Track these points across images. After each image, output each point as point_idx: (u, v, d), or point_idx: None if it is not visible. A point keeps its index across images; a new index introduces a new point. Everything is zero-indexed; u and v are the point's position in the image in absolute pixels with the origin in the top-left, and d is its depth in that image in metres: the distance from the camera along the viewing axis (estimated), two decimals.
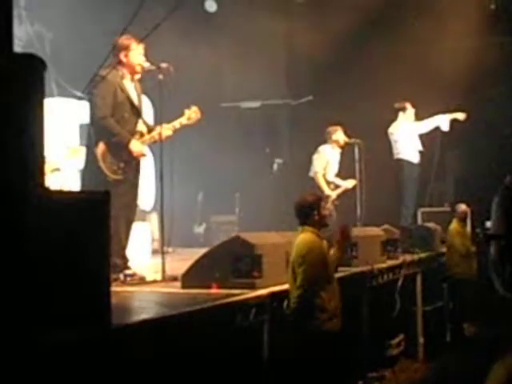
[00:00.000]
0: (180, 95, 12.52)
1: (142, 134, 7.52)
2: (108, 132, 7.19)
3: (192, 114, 7.78)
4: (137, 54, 7.44)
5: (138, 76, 7.62)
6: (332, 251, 6.48)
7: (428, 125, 11.95)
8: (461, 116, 11.91)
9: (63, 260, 3.61)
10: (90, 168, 7.25)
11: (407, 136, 11.69)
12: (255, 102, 15.72)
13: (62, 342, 3.51)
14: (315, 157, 11.69)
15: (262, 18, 13.44)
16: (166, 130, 7.57)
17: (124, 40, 7.30)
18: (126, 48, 7.35)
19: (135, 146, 7.28)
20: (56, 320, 3.54)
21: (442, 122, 11.92)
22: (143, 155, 7.39)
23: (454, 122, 12.07)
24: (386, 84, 12.92)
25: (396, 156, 11.69)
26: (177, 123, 7.67)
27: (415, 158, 11.64)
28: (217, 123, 13.71)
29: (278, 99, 15.84)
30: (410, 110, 11.88)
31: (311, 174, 11.69)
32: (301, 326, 6.04)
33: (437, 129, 12.20)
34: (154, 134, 7.56)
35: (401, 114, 11.83)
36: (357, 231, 9.23)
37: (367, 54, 13.70)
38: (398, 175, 11.61)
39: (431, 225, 12.25)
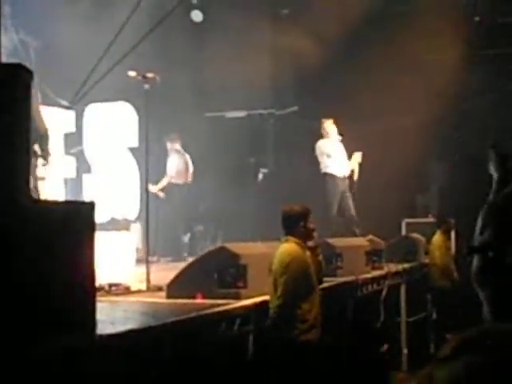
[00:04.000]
0: (165, 104, 12.58)
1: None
2: None
3: None
4: None
5: None
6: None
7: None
8: (357, 159, 12.00)
9: (48, 269, 3.60)
10: None
11: (330, 151, 11.86)
12: (240, 111, 15.73)
13: (47, 351, 3.50)
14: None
15: (248, 28, 13.46)
16: None
17: None
18: None
19: None
20: (41, 329, 3.53)
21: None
22: None
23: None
24: (371, 95, 12.97)
25: (322, 170, 11.89)
26: None
27: (340, 172, 11.79)
28: (201, 133, 13.71)
29: (262, 109, 15.85)
30: (330, 127, 12.02)
31: None
32: (280, 336, 6.02)
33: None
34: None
35: (322, 131, 12.04)
36: (341, 241, 9.25)
37: (352, 65, 13.74)
38: (324, 189, 11.81)
39: (415, 236, 12.29)
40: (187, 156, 12.99)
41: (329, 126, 11.97)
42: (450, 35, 13.40)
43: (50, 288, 3.58)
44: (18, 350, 3.37)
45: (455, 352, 1.28)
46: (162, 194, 12.66)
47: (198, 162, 13.26)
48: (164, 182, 12.81)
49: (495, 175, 6.15)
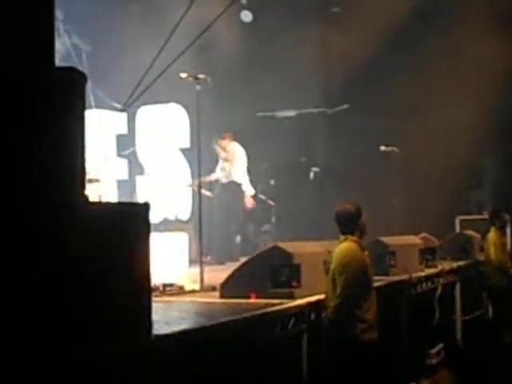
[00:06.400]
0: (217, 105, 12.64)
1: None
2: None
3: None
4: None
5: None
6: None
7: None
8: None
9: (104, 271, 3.63)
10: None
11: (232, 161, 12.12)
12: (291, 111, 15.72)
13: (104, 353, 3.53)
14: None
15: (298, 27, 13.45)
16: None
17: None
18: None
19: None
20: (98, 331, 3.56)
21: None
22: None
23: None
24: (421, 92, 12.85)
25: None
26: None
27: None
28: (253, 132, 13.73)
29: (313, 108, 15.82)
30: (226, 142, 12.15)
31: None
32: (338, 336, 6.01)
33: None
34: None
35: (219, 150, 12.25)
36: (395, 240, 9.18)
37: (402, 62, 13.62)
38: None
39: (470, 232, 12.13)
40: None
41: (226, 144, 12.18)
42: (504, 29, 13.20)
43: (106, 289, 3.61)
44: (75, 351, 3.41)
45: None
46: (192, 187, 12.56)
47: (249, 161, 13.27)
48: (208, 178, 12.73)
49: None
